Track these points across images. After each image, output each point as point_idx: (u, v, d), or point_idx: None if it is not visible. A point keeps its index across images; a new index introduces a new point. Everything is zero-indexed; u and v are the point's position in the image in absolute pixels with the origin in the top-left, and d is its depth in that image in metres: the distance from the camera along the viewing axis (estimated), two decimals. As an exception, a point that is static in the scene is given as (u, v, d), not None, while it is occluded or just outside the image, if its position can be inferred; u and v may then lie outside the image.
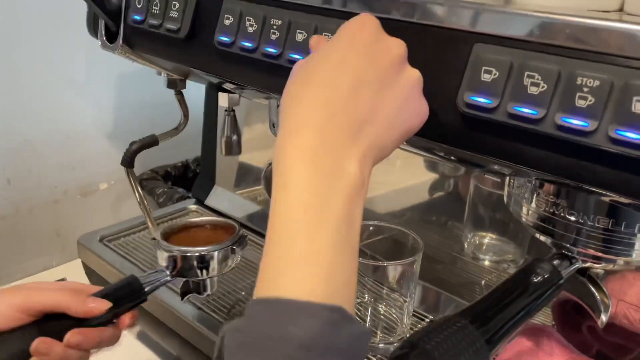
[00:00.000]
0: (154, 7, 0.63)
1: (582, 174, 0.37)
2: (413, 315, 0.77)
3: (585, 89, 0.35)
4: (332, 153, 0.35)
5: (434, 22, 0.43)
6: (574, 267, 0.45)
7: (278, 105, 0.63)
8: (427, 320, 0.76)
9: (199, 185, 1.10)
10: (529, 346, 0.57)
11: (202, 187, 1.09)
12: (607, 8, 0.41)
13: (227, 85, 0.71)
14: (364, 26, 0.40)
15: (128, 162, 0.86)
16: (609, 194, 0.38)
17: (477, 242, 0.81)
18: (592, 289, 0.46)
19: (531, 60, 0.38)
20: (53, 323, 0.51)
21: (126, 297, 0.57)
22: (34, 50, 0.98)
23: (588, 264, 0.46)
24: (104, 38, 0.73)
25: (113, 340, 0.55)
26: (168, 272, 0.62)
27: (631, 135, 0.34)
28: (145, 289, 0.59)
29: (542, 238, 0.46)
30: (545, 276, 0.43)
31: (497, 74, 0.39)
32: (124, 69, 1.09)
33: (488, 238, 0.81)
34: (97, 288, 0.56)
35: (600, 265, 0.46)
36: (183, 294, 0.68)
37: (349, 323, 0.32)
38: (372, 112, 0.37)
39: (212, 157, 1.08)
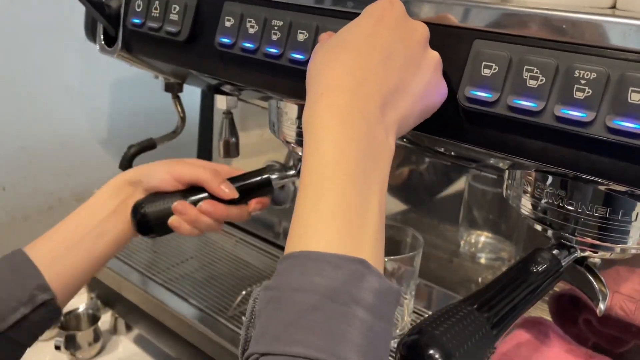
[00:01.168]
0: (153, 10, 0.64)
1: (581, 163, 0.38)
2: (413, 311, 0.77)
3: (583, 81, 0.36)
4: (363, 116, 0.36)
5: (434, 19, 0.44)
6: (572, 256, 0.46)
7: (279, 107, 0.64)
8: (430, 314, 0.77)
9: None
10: (528, 338, 0.58)
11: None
12: (600, 5, 0.42)
13: (226, 87, 0.71)
14: (392, 6, 0.41)
15: (126, 165, 0.86)
16: (607, 182, 0.39)
17: (473, 240, 0.83)
18: (590, 277, 0.48)
19: (530, 54, 0.39)
20: (194, 193, 0.63)
21: (255, 188, 0.65)
22: (30, 56, 0.98)
23: (586, 253, 0.47)
24: (103, 42, 0.73)
25: (241, 217, 0.65)
26: (294, 171, 0.67)
27: (628, 124, 0.35)
28: (273, 184, 0.66)
29: (541, 229, 0.47)
30: (546, 265, 0.44)
31: (497, 68, 0.40)
32: (119, 74, 1.09)
33: (483, 236, 0.82)
34: (237, 172, 0.66)
35: (597, 254, 0.47)
36: None
37: (374, 277, 0.33)
38: (400, 84, 0.39)
39: (209, 160, 1.08)
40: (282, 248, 0.74)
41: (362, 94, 0.37)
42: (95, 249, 0.61)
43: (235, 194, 0.63)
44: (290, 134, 0.63)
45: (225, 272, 0.88)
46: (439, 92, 0.42)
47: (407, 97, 0.39)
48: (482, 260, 0.82)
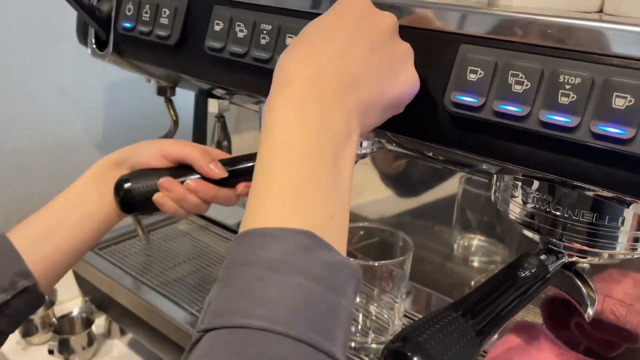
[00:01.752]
0: (144, 15, 0.64)
1: (566, 168, 0.38)
2: (404, 316, 0.77)
3: (568, 86, 0.36)
4: (318, 102, 0.37)
5: (420, 24, 0.44)
6: (560, 261, 0.46)
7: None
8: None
9: (189, 193, 1.10)
10: (519, 343, 0.58)
11: (192, 194, 1.09)
12: (587, 9, 0.42)
13: (217, 91, 0.71)
14: (356, 1, 0.41)
15: (119, 169, 0.85)
16: (592, 188, 0.39)
17: (466, 243, 0.82)
18: (579, 283, 0.47)
19: (515, 59, 0.39)
20: (181, 171, 0.62)
21: (245, 171, 0.63)
22: (24, 59, 0.98)
23: (574, 258, 0.47)
24: (94, 46, 0.73)
25: (228, 201, 0.63)
26: None
27: (612, 129, 0.35)
28: None
29: (529, 234, 0.47)
30: (533, 270, 0.44)
31: (483, 73, 0.40)
32: (113, 77, 1.09)
33: (476, 240, 0.82)
34: (227, 155, 0.65)
35: (585, 259, 0.47)
36: None
37: (324, 249, 0.32)
38: (364, 72, 0.39)
39: None
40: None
41: (318, 82, 0.37)
42: (77, 232, 0.60)
43: (224, 174, 0.61)
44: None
45: (212, 279, 0.87)
46: (409, 83, 0.42)
47: (371, 85, 0.39)
48: (475, 264, 0.81)
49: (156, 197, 0.60)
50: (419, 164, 0.82)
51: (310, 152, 0.35)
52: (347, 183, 0.37)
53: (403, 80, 0.41)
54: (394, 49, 0.41)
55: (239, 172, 0.62)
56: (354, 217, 0.84)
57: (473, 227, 0.81)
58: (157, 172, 0.61)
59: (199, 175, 0.61)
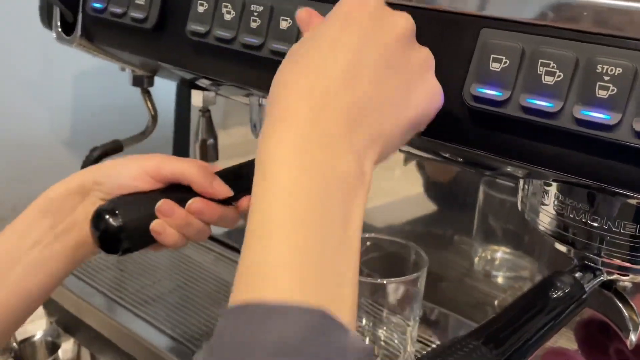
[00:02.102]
0: (116, -7, 0.64)
1: (604, 173, 0.38)
2: (418, 341, 0.77)
3: (606, 78, 0.36)
4: (323, 145, 0.35)
5: (435, 5, 0.43)
6: (598, 279, 0.46)
7: (260, 104, 0.63)
8: (434, 346, 0.76)
9: (170, 198, 1.09)
10: (550, 373, 0.58)
11: (173, 199, 1.08)
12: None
13: (202, 82, 0.71)
14: (363, 2, 0.39)
15: (88, 171, 0.85)
16: (635, 195, 0.39)
17: (489, 256, 0.82)
18: (619, 304, 0.47)
19: (545, 46, 0.38)
20: (177, 192, 0.56)
21: (246, 184, 0.58)
22: (-21, 46, 0.98)
23: (614, 276, 0.46)
24: (60, 29, 0.73)
25: (232, 221, 0.59)
26: None
27: (659, 128, 0.34)
28: None
29: (562, 248, 0.47)
30: (567, 290, 0.44)
31: (508, 62, 0.39)
32: (84, 66, 1.09)
33: (501, 252, 0.82)
34: (217, 168, 0.61)
35: (627, 277, 0.46)
36: None
37: (336, 331, 0.30)
38: (374, 98, 0.37)
39: None
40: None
41: (322, 119, 0.35)
42: (27, 284, 0.54)
43: (230, 192, 0.57)
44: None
45: (203, 294, 0.87)
46: (430, 97, 0.40)
47: (385, 112, 0.37)
48: (500, 280, 0.81)
49: (154, 225, 0.55)
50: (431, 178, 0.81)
51: (316, 207, 0.33)
52: (357, 239, 0.35)
53: (424, 97, 0.40)
54: (411, 59, 0.39)
55: (240, 185, 0.59)
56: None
57: (497, 237, 0.81)
58: (148, 195, 0.56)
59: (196, 196, 0.57)
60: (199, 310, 0.83)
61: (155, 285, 0.89)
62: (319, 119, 0.35)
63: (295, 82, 0.37)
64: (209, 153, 0.81)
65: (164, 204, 0.55)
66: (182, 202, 0.56)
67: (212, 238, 1.01)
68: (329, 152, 0.35)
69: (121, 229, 0.53)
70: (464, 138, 0.43)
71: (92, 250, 0.57)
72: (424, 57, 0.40)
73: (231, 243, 1.00)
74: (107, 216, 0.53)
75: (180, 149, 1.08)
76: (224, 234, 1.02)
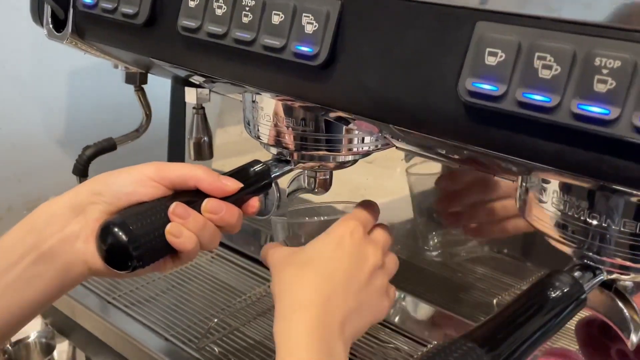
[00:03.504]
0: (107, -11, 0.63)
1: (604, 169, 0.37)
2: (414, 340, 0.77)
3: (605, 71, 0.35)
4: (327, 331, 0.51)
5: (429, -3, 0.43)
6: (597, 279, 0.45)
7: (254, 101, 0.62)
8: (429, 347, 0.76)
9: (165, 197, 1.09)
10: (550, 374, 0.57)
11: (169, 199, 1.08)
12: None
13: (195, 79, 0.70)
14: (352, 233, 0.58)
15: (81, 170, 0.85)
16: (635, 192, 0.38)
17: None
18: (620, 304, 0.46)
19: (542, 39, 0.37)
20: (187, 197, 0.55)
21: (252, 183, 0.60)
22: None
23: (614, 276, 0.46)
24: (50, 26, 0.72)
25: (238, 225, 0.58)
26: (291, 166, 0.64)
27: (659, 123, 0.33)
28: (273, 175, 0.63)
29: (561, 247, 0.46)
30: (565, 290, 0.43)
31: (504, 56, 0.39)
32: (76, 63, 1.08)
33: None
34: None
35: (628, 276, 0.45)
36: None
37: None
38: (357, 305, 0.55)
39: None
40: (264, 265, 0.73)
41: (328, 310, 0.52)
42: (6, 303, 0.52)
43: (239, 184, 0.57)
44: (267, 133, 0.61)
45: (197, 294, 0.87)
46: (384, 309, 0.59)
47: (361, 316, 0.55)
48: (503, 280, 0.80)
49: (171, 228, 0.53)
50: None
51: None
52: None
53: (382, 308, 0.58)
54: (377, 284, 0.57)
55: (245, 184, 0.58)
56: None
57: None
58: (156, 205, 0.54)
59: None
60: (193, 311, 0.83)
61: (149, 286, 0.89)
62: (325, 310, 0.52)
63: (306, 279, 0.55)
64: (203, 151, 0.81)
65: (177, 207, 0.53)
66: (193, 206, 0.55)
67: None
68: (331, 336, 0.52)
69: (131, 243, 0.50)
70: (459, 134, 0.42)
71: (86, 271, 0.54)
72: (384, 284, 0.59)
73: (227, 243, 0.99)
74: (116, 229, 0.50)
75: (175, 147, 1.07)
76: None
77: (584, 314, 0.59)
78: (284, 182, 0.68)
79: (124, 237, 0.50)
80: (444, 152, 0.53)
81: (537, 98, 0.37)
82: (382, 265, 0.59)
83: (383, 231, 0.62)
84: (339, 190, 0.75)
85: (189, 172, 0.56)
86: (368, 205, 0.63)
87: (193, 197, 0.55)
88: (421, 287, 0.84)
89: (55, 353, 0.91)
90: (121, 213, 0.53)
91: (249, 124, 0.64)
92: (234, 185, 0.57)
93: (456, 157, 0.53)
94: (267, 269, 0.61)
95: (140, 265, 0.52)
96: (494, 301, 0.78)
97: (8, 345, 0.90)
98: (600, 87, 0.35)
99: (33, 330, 0.93)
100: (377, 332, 0.79)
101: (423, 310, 0.82)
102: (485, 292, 0.80)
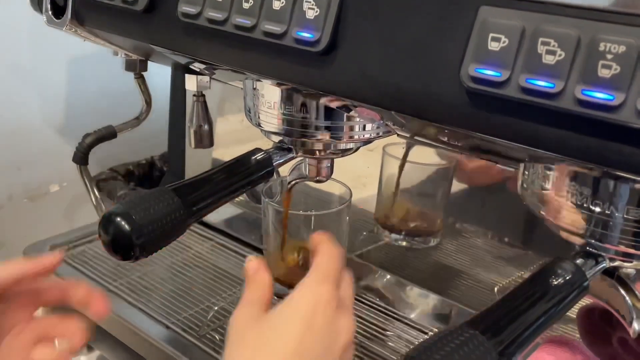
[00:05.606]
0: (106, -25, 0.62)
1: (608, 155, 0.37)
2: (416, 328, 0.78)
3: (609, 56, 0.35)
4: None
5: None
6: (600, 266, 0.45)
7: (255, 88, 0.62)
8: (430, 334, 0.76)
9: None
10: (551, 362, 0.57)
11: (169, 187, 1.08)
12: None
13: (195, 66, 0.70)
14: (325, 307, 0.49)
15: (81, 158, 0.85)
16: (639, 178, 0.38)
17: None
18: (622, 292, 0.46)
19: (546, 24, 0.37)
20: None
21: (254, 171, 0.60)
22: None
23: (617, 263, 0.45)
24: (50, 12, 0.72)
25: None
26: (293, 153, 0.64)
27: (664, 108, 0.33)
28: (274, 163, 0.62)
29: (564, 234, 0.46)
30: (567, 278, 0.43)
31: (507, 41, 0.38)
32: (76, 51, 1.08)
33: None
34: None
35: (631, 264, 0.45)
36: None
37: None
38: None
39: (181, 153, 1.07)
40: (261, 252, 0.73)
41: None
42: None
43: (61, 254, 0.57)
44: (268, 121, 0.61)
45: (198, 282, 0.87)
46: None
47: None
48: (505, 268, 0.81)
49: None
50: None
51: None
52: None
53: None
54: (351, 352, 0.51)
55: (248, 172, 0.60)
56: (356, 212, 0.84)
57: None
58: (159, 192, 0.54)
59: None
60: (194, 299, 0.83)
61: (150, 274, 0.88)
62: None
63: None
64: (204, 139, 0.80)
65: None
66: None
67: (209, 225, 1.00)
68: None
69: (134, 232, 0.50)
70: (462, 121, 0.42)
71: None
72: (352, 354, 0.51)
73: (229, 231, 0.99)
74: (119, 219, 0.50)
75: (176, 135, 1.07)
76: (223, 223, 1.01)
77: (585, 301, 0.59)
78: (284, 170, 0.68)
79: (127, 227, 0.50)
80: (445, 139, 0.53)
81: (541, 84, 0.37)
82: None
83: (349, 285, 0.54)
84: (340, 179, 0.75)
85: (15, 269, 0.54)
86: (332, 253, 0.53)
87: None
88: (421, 274, 0.84)
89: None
90: (123, 202, 0.53)
91: (249, 111, 0.64)
92: (54, 258, 0.56)
93: (458, 144, 0.53)
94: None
95: (144, 255, 0.52)
96: (495, 289, 0.78)
97: (9, 333, 0.90)
98: (604, 73, 0.35)
99: (34, 318, 0.93)
100: (376, 319, 0.79)
101: (423, 297, 0.82)
102: (486, 279, 0.80)
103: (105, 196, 1.09)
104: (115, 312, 0.80)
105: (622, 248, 0.43)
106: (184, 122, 1.02)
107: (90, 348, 0.94)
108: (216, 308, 0.79)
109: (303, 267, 0.78)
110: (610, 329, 0.60)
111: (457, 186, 0.83)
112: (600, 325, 0.61)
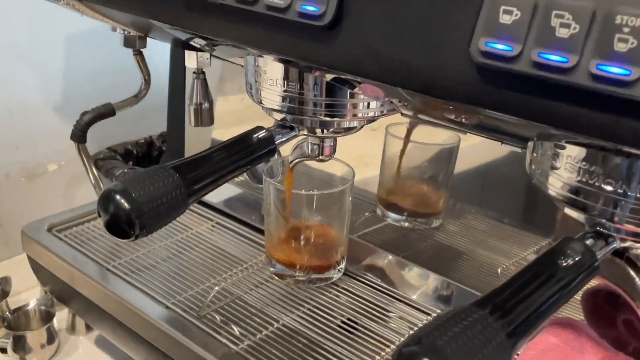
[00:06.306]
0: (104, -53, 0.61)
1: (621, 133, 0.36)
2: (418, 309, 0.77)
3: (626, 30, 0.34)
4: None
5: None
6: (610, 247, 0.44)
7: (256, 64, 0.61)
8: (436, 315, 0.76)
9: (165, 165, 1.08)
10: (556, 343, 0.56)
11: (169, 166, 1.07)
12: None
13: (195, 41, 0.69)
14: None
15: (79, 136, 0.84)
16: (654, 157, 0.37)
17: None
18: (632, 272, 0.45)
19: (560, -4, 0.36)
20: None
21: (257, 147, 0.59)
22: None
23: (627, 244, 0.45)
24: (47, -13, 0.70)
25: None
26: (296, 131, 0.63)
27: (682, 84, 0.32)
28: (276, 141, 0.61)
29: (573, 213, 0.45)
30: (577, 259, 0.42)
31: (519, 14, 0.37)
32: (74, 27, 1.06)
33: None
34: None
35: (641, 244, 0.45)
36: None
37: None
38: None
39: (180, 131, 1.06)
40: (262, 232, 0.72)
41: None
42: None
43: None
44: (269, 98, 0.60)
45: (198, 263, 0.86)
46: None
47: None
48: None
49: None
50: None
51: None
52: None
53: None
54: None
55: (249, 151, 0.59)
56: (358, 192, 0.83)
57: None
58: (159, 169, 0.53)
59: None
60: (194, 279, 0.83)
61: (149, 254, 0.88)
62: None
63: None
64: (204, 117, 0.79)
65: None
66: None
67: (208, 205, 1.00)
68: None
69: (134, 211, 0.49)
70: (471, 97, 0.41)
71: None
72: None
73: (229, 211, 0.99)
74: (118, 196, 0.49)
75: (175, 113, 1.06)
76: (223, 203, 1.01)
77: (591, 283, 0.59)
78: (286, 150, 0.67)
79: (126, 204, 0.49)
80: (452, 117, 0.52)
81: (554, 58, 0.36)
82: None
83: None
84: (342, 158, 0.74)
85: None
86: None
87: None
88: (423, 255, 0.84)
89: (54, 321, 0.91)
90: (122, 180, 0.52)
91: (251, 88, 0.63)
92: None
93: (464, 121, 0.52)
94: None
95: (144, 233, 0.51)
96: (498, 270, 0.77)
97: (7, 313, 0.90)
98: (620, 47, 0.34)
99: (32, 298, 0.93)
100: (379, 300, 0.79)
101: (424, 278, 0.81)
102: (489, 261, 0.80)
103: (103, 175, 1.08)
104: (114, 291, 0.79)
105: (633, 228, 0.42)
106: (184, 100, 1.01)
107: (89, 328, 0.94)
108: (217, 288, 0.79)
109: (304, 248, 0.77)
110: (615, 310, 0.60)
111: (460, 166, 0.82)
112: (605, 307, 0.60)
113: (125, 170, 1.10)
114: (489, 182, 0.81)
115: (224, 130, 1.00)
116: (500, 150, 0.75)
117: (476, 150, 0.80)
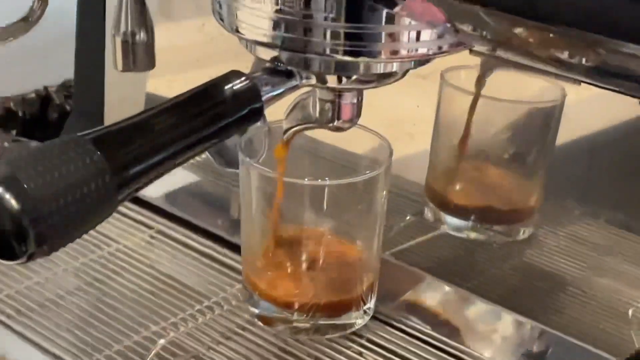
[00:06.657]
0: None
1: None
2: None
3: None
4: None
5: None
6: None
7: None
8: None
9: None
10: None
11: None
12: None
13: None
14: None
15: None
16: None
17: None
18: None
19: None
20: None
21: (232, 106, 0.62)
22: None
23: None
24: None
25: None
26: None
27: None
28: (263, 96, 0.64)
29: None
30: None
31: None
32: None
33: None
34: None
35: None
36: None
37: None
38: None
39: (97, 81, 1.07)
40: (236, 248, 0.72)
41: None
42: None
43: None
44: (252, 23, 0.60)
45: (129, 298, 0.87)
46: None
47: None
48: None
49: None
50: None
51: None
52: None
53: None
54: None
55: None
56: (396, 182, 0.83)
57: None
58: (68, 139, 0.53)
59: None
60: (123, 325, 0.83)
61: (49, 284, 0.89)
62: None
63: None
64: (137, 57, 0.79)
65: None
66: None
67: (146, 203, 1.01)
68: None
69: (26, 213, 0.48)
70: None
71: None
72: None
73: (178, 213, 1.01)
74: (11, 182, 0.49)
75: (88, 47, 1.07)
76: (167, 199, 1.04)
77: None
78: (278, 111, 0.67)
79: (13, 203, 0.48)
80: (561, 55, 0.52)
81: None
82: None
83: None
84: (372, 126, 0.75)
85: None
86: None
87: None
88: (502, 287, 0.85)
89: None
90: (6, 162, 0.50)
91: (220, 6, 0.62)
92: None
93: (586, 62, 0.52)
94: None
95: (44, 251, 0.50)
96: (629, 312, 0.77)
97: None
98: None
99: None
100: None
101: (504, 324, 0.82)
102: (612, 296, 0.81)
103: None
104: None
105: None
106: (102, 26, 1.01)
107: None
108: (161, 342, 0.79)
109: (309, 274, 0.77)
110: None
111: (563, 138, 0.83)
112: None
113: (6, 144, 1.10)
114: (613, 167, 0.81)
115: (172, 78, 1.00)
116: (636, 112, 0.76)
117: (594, 114, 0.81)
